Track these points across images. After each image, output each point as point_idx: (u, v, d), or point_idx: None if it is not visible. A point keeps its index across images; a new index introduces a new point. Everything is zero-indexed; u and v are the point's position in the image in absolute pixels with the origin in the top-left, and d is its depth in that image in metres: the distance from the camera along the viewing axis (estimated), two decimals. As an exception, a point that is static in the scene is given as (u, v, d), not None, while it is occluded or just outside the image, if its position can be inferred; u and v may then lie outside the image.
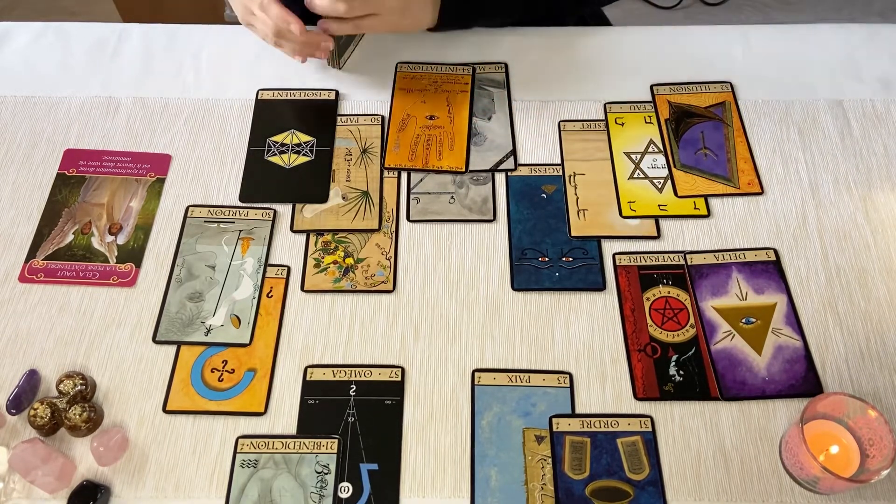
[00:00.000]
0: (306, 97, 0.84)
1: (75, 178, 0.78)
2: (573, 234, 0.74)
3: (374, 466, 0.63)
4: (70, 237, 0.75)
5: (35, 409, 0.63)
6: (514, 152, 0.80)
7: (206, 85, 0.85)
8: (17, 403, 0.64)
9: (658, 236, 0.74)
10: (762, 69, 0.86)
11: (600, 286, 0.71)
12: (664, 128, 0.81)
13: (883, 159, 0.79)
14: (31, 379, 0.66)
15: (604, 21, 1.06)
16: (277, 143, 0.81)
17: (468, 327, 0.69)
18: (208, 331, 0.69)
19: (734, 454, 0.63)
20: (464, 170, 0.78)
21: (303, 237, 0.75)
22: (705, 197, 0.77)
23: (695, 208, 0.76)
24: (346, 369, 0.67)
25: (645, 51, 0.88)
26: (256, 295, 0.71)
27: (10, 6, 2.02)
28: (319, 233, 0.75)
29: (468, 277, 0.72)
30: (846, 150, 0.80)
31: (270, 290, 0.71)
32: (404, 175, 0.79)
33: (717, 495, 0.62)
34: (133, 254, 0.74)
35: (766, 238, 0.74)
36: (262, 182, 0.78)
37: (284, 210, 0.76)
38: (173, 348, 0.68)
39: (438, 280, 0.72)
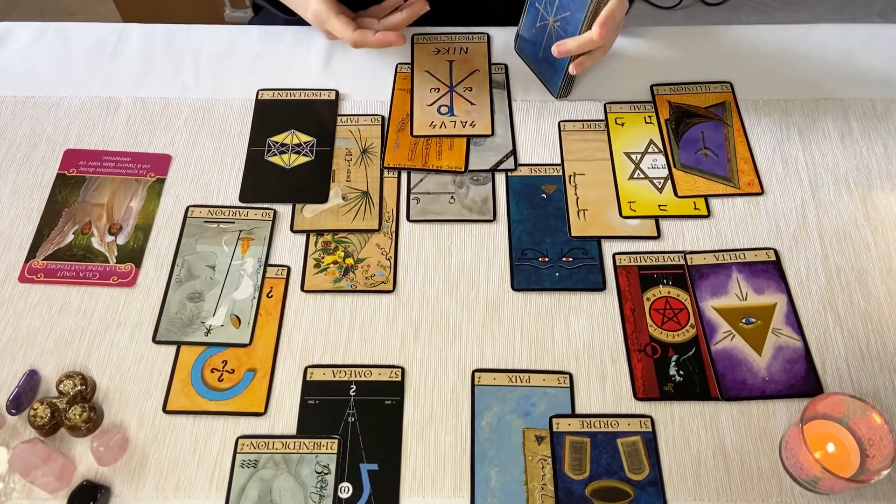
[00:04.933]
0: (306, 97, 0.84)
1: (75, 178, 0.78)
2: (573, 234, 0.74)
3: (374, 466, 0.63)
4: (70, 237, 0.75)
5: (35, 410, 0.63)
6: (514, 152, 0.80)
7: (206, 85, 0.85)
8: (17, 403, 0.64)
9: (658, 236, 0.74)
10: (762, 69, 0.86)
11: (600, 286, 0.71)
12: (664, 128, 0.81)
13: (883, 159, 0.79)
14: (31, 379, 0.66)
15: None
16: (277, 143, 0.81)
17: (468, 327, 0.69)
18: (208, 331, 0.69)
19: (734, 454, 0.63)
20: (464, 170, 0.78)
21: (303, 237, 0.75)
22: (705, 197, 0.77)
23: (695, 208, 0.76)
24: (346, 369, 0.67)
25: (645, 51, 0.88)
26: (256, 295, 0.71)
27: (10, 6, 2.02)
28: (319, 233, 0.75)
29: (468, 277, 0.72)
30: (846, 150, 0.80)
31: (270, 291, 0.71)
32: (404, 175, 0.79)
33: (717, 495, 0.62)
34: (133, 254, 0.74)
35: (766, 238, 0.74)
36: (262, 182, 0.78)
37: (284, 210, 0.76)
38: (173, 348, 0.68)
39: (438, 280, 0.72)
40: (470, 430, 0.64)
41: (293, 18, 0.85)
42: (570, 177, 0.78)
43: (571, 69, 0.78)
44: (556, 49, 0.76)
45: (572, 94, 0.84)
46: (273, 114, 0.83)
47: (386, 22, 0.79)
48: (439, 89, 0.84)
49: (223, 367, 0.67)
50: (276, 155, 0.80)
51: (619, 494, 0.61)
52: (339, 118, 0.83)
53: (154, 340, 0.69)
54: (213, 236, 0.75)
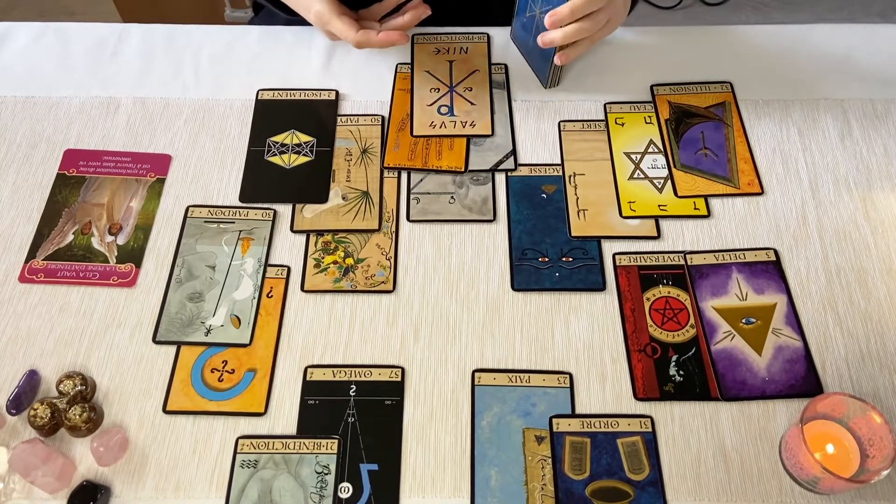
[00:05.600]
0: (306, 97, 0.84)
1: (75, 178, 0.78)
2: (573, 234, 0.74)
3: (374, 466, 0.63)
4: (70, 237, 0.75)
5: (35, 410, 0.63)
6: (514, 152, 0.80)
7: (206, 85, 0.85)
8: (17, 403, 0.64)
9: (658, 236, 0.74)
10: (762, 69, 0.86)
11: (600, 286, 0.71)
12: (664, 128, 0.81)
13: (883, 159, 0.79)
14: (31, 379, 0.66)
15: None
16: (277, 143, 0.81)
17: (468, 327, 0.69)
18: (208, 331, 0.69)
19: (734, 454, 0.63)
20: (464, 170, 0.78)
21: (303, 237, 0.75)
22: (705, 197, 0.77)
23: (695, 208, 0.76)
24: (346, 369, 0.67)
25: (645, 51, 0.88)
26: (256, 295, 0.71)
27: (10, 6, 2.02)
28: (319, 233, 0.75)
29: (468, 277, 0.72)
30: (846, 150, 0.80)
31: (270, 291, 0.71)
32: (404, 175, 0.79)
33: (717, 495, 0.62)
34: (133, 254, 0.74)
35: (766, 238, 0.74)
36: (262, 182, 0.78)
37: (284, 210, 0.76)
38: (173, 348, 0.68)
39: (438, 280, 0.72)
40: (470, 430, 0.64)
41: (294, 18, 0.85)
42: (570, 177, 0.78)
43: (556, 60, 0.78)
44: (541, 40, 0.76)
45: (571, 94, 0.84)
46: (273, 114, 0.83)
47: (388, 25, 0.79)
48: (439, 89, 0.84)
49: (223, 368, 0.67)
50: (276, 155, 0.80)
51: (619, 494, 0.61)
52: (339, 118, 0.83)
53: (154, 340, 0.69)
54: (213, 236, 0.75)
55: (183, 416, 0.65)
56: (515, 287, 0.71)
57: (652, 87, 0.85)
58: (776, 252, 0.73)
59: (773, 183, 0.78)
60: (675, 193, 0.77)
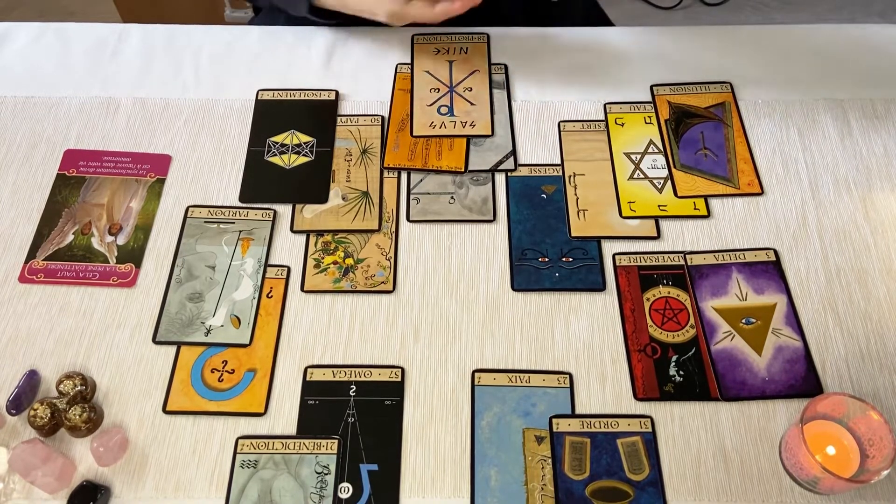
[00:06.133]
0: (306, 97, 0.84)
1: (75, 178, 0.78)
2: (573, 234, 0.74)
3: (374, 467, 0.63)
4: (70, 237, 0.75)
5: (35, 410, 0.63)
6: (514, 152, 0.80)
7: (206, 85, 0.85)
8: (17, 404, 0.64)
9: (658, 237, 0.74)
10: (762, 69, 0.86)
11: (600, 286, 0.71)
12: (664, 128, 0.81)
13: (883, 159, 0.79)
14: (31, 379, 0.66)
15: (604, 21, 1.06)
16: (277, 143, 0.81)
17: (468, 327, 0.69)
18: (208, 331, 0.69)
19: (734, 454, 0.63)
20: (464, 170, 0.78)
21: (303, 237, 0.75)
22: (705, 197, 0.77)
23: (695, 209, 0.76)
24: (346, 370, 0.67)
25: (645, 51, 0.88)
26: (256, 295, 0.71)
27: (10, 6, 2.02)
28: (319, 233, 0.75)
29: (468, 278, 0.72)
30: (846, 150, 0.80)
31: (270, 291, 0.71)
32: (404, 175, 0.79)
33: (717, 496, 0.62)
34: (133, 254, 0.74)
35: (766, 238, 0.74)
36: (262, 182, 0.78)
37: (284, 210, 0.76)
38: (173, 349, 0.68)
39: (438, 280, 0.72)
40: (470, 430, 0.64)
41: (295, 17, 0.85)
42: (569, 177, 0.78)
43: None
44: None
45: (571, 94, 0.84)
46: (273, 114, 0.83)
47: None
48: (439, 89, 0.84)
49: (223, 368, 0.67)
50: (275, 155, 0.80)
51: (619, 495, 0.61)
52: (339, 118, 0.83)
53: (154, 341, 0.69)
54: (213, 236, 0.75)
55: (183, 417, 0.65)
56: (515, 287, 0.71)
57: (652, 87, 0.85)
58: (776, 252, 0.73)
59: (772, 183, 0.78)
60: (675, 193, 0.77)
